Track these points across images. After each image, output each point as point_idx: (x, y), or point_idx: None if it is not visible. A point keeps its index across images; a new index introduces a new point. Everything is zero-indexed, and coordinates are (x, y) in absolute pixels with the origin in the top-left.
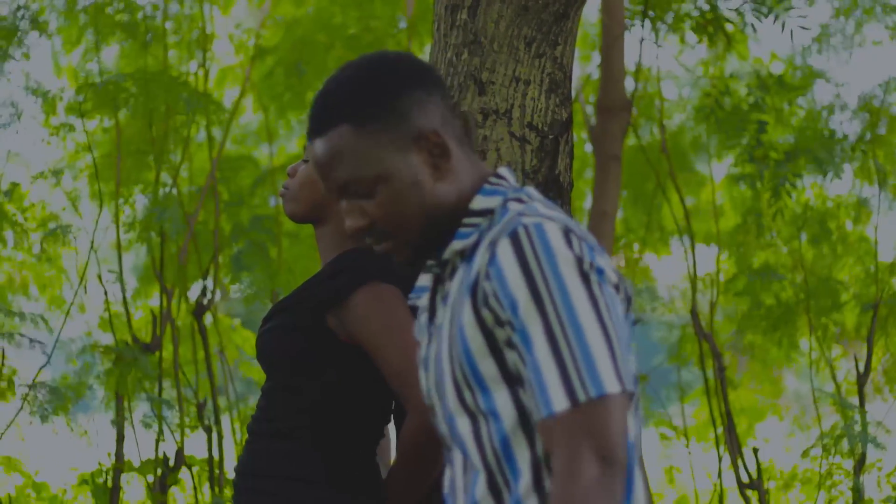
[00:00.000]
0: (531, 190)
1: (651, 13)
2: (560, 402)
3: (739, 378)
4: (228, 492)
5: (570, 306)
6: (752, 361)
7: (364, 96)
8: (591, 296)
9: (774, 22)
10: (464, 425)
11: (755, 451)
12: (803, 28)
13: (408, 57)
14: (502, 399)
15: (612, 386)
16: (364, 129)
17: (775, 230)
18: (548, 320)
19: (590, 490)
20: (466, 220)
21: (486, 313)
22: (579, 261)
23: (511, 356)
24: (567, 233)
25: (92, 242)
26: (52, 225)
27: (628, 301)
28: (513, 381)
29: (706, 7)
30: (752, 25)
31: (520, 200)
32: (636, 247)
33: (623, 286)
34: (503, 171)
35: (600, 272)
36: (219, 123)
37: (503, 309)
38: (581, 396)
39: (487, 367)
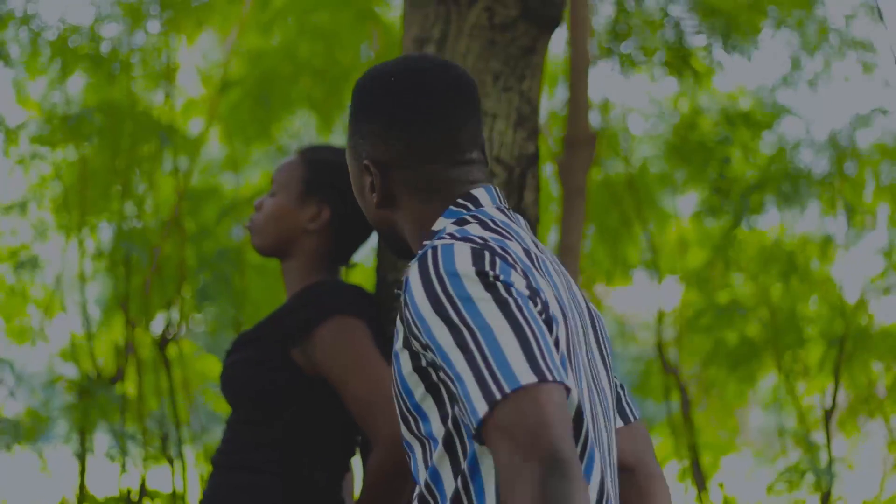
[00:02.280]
0: (488, 211)
1: (620, 47)
2: (482, 408)
3: (701, 411)
4: None
5: (476, 312)
6: (711, 398)
7: (353, 103)
8: (498, 298)
9: (742, 55)
10: (419, 453)
11: (721, 486)
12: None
13: (410, 77)
14: (436, 424)
15: (526, 377)
16: (350, 129)
17: (741, 266)
18: (457, 331)
19: (536, 495)
20: (425, 242)
21: (412, 340)
22: (483, 274)
23: (439, 378)
24: (479, 251)
25: (57, 275)
26: (21, 256)
27: (549, 319)
28: (442, 405)
29: (673, 43)
30: (720, 62)
31: (465, 222)
32: (601, 285)
33: (545, 304)
34: (478, 191)
35: (509, 285)
36: (186, 152)
37: (421, 333)
38: (497, 395)
39: (421, 394)
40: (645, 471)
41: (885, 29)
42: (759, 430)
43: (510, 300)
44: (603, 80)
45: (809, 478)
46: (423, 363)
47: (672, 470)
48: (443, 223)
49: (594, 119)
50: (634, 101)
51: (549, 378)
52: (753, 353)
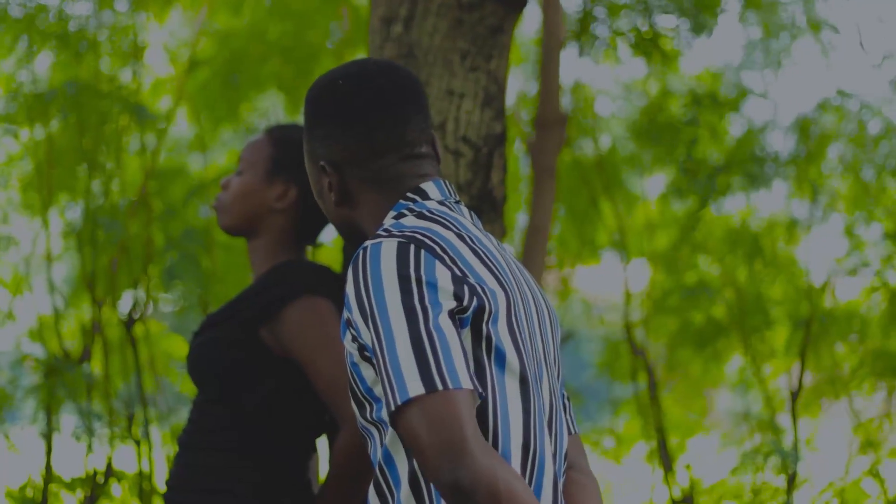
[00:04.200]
0: (430, 204)
1: (591, 28)
2: (389, 416)
3: (666, 393)
4: None
5: (387, 323)
6: (679, 379)
7: (306, 110)
8: (409, 307)
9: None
10: (377, 437)
11: (688, 467)
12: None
13: (356, 80)
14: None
15: (415, 389)
16: (305, 135)
17: (708, 248)
18: (372, 340)
19: (457, 491)
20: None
21: (353, 331)
22: (404, 278)
23: None
24: (405, 245)
25: (24, 254)
26: None
27: (480, 305)
28: None
29: (642, 25)
30: (687, 43)
31: (402, 215)
32: (568, 267)
33: (476, 294)
34: (427, 185)
35: (431, 285)
36: (153, 131)
37: (357, 333)
38: (392, 406)
39: (372, 379)
40: (579, 468)
41: (851, 8)
42: (727, 411)
43: (418, 309)
44: (573, 61)
45: (774, 460)
46: (368, 351)
47: (639, 451)
48: (389, 218)
49: (564, 101)
50: (603, 83)
51: (440, 387)
52: (720, 333)
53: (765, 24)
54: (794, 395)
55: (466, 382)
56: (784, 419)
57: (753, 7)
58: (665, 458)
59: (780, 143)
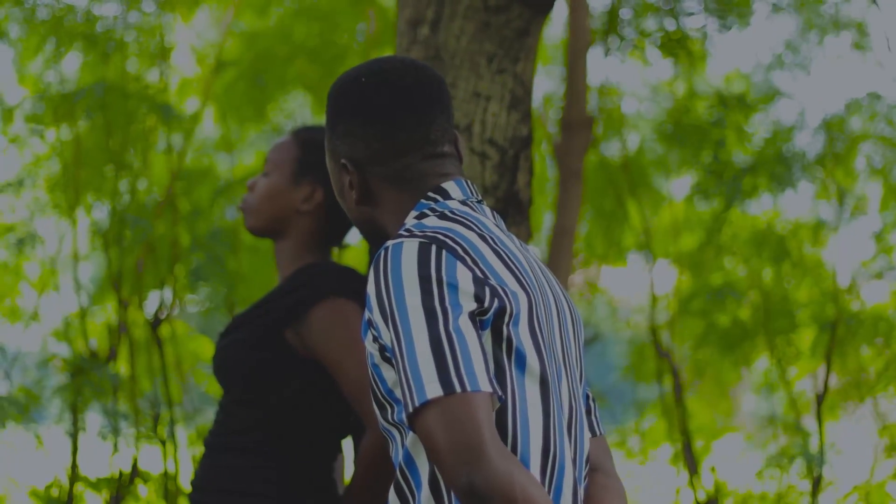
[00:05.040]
0: (452, 203)
1: (621, 30)
2: (406, 417)
3: (691, 396)
4: None
5: (406, 323)
6: (704, 381)
7: (328, 107)
8: (429, 308)
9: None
10: (398, 439)
11: (713, 469)
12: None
13: (379, 77)
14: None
15: (433, 391)
16: (327, 132)
17: (734, 250)
18: (392, 340)
19: (474, 495)
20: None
21: (374, 332)
22: (424, 278)
23: None
24: (427, 245)
25: (50, 254)
26: (14, 236)
27: (501, 307)
28: None
29: (670, 25)
30: (713, 41)
31: (424, 215)
32: (595, 265)
33: (497, 296)
34: (448, 184)
35: (452, 287)
36: (180, 132)
37: (378, 333)
38: (409, 408)
39: (393, 381)
40: (604, 471)
41: (878, 11)
42: (752, 414)
43: (438, 310)
44: (600, 62)
45: (799, 463)
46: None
47: (664, 454)
48: (411, 217)
49: (591, 102)
50: (629, 84)
51: (458, 390)
52: (745, 336)
53: (806, 20)
54: (820, 398)
55: (485, 385)
56: (809, 422)
57: (783, 9)
58: (690, 460)
59: (808, 144)
